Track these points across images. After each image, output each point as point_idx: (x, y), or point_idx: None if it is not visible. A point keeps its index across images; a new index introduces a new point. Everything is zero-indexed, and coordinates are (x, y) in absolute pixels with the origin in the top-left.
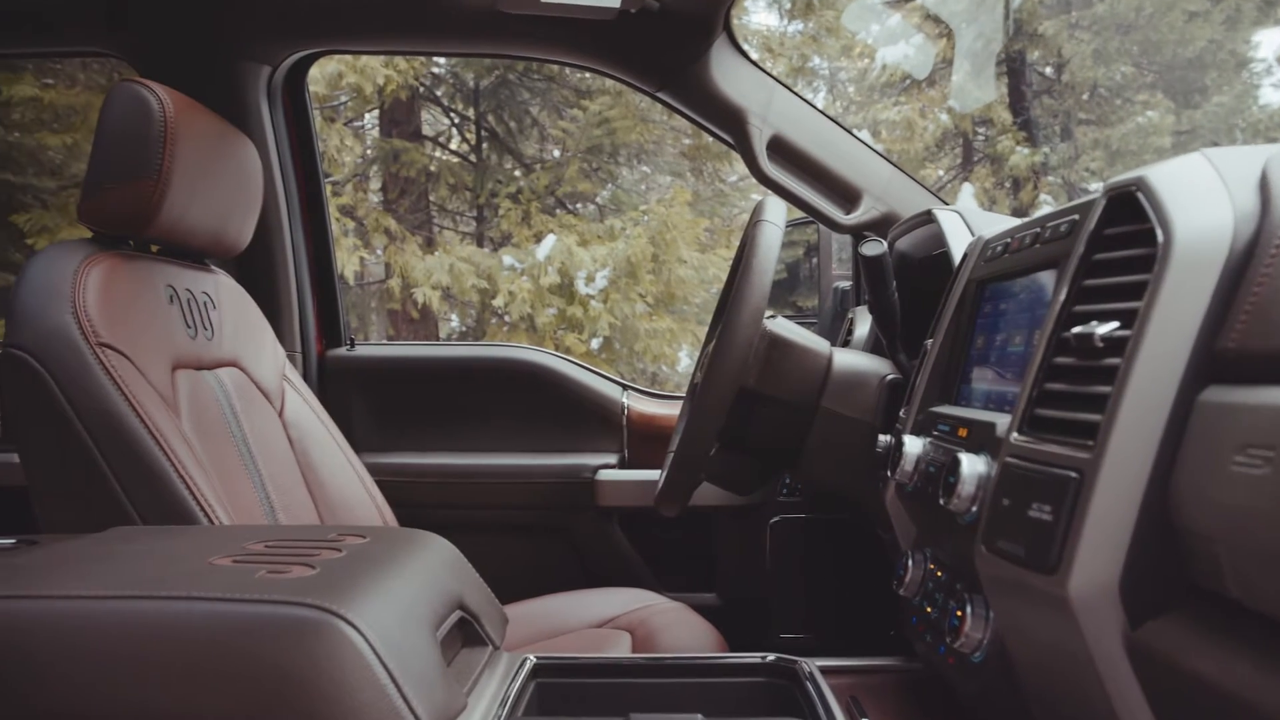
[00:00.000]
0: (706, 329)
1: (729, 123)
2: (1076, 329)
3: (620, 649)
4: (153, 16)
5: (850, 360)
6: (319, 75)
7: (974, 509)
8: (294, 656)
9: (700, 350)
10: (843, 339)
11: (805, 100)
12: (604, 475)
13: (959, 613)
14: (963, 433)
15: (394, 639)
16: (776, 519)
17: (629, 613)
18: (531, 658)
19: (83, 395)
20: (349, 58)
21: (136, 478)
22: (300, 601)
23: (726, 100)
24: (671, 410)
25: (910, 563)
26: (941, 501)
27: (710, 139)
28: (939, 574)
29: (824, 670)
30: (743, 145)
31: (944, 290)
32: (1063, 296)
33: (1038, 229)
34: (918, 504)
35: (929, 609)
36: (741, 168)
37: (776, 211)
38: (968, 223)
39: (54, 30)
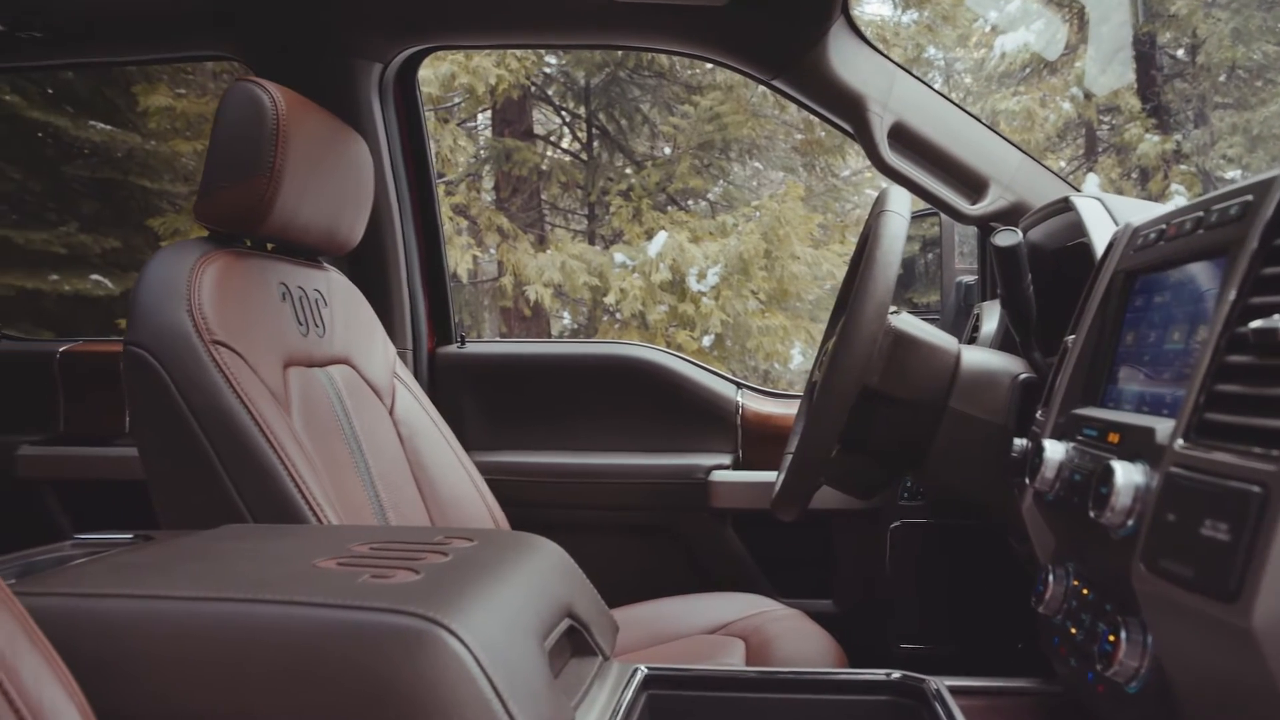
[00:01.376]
0: (820, 326)
1: (847, 110)
2: (1255, 323)
3: (734, 657)
4: (266, 17)
5: (980, 358)
6: (432, 76)
7: (1130, 523)
8: (395, 666)
9: (819, 348)
10: (968, 336)
11: (928, 85)
12: (717, 476)
13: (1111, 637)
14: (1114, 438)
15: (499, 650)
16: (897, 524)
17: (743, 619)
18: (642, 669)
19: (197, 392)
20: (461, 58)
21: (247, 475)
22: (402, 609)
23: (845, 87)
24: (788, 410)
25: (1050, 578)
26: (1091, 514)
27: (824, 132)
28: (1085, 592)
29: (953, 690)
30: (862, 133)
31: (1085, 283)
32: (1235, 287)
33: (1200, 213)
34: (1060, 514)
35: (1073, 630)
36: (856, 162)
37: (900, 201)
38: (1109, 210)
39: (174, 37)
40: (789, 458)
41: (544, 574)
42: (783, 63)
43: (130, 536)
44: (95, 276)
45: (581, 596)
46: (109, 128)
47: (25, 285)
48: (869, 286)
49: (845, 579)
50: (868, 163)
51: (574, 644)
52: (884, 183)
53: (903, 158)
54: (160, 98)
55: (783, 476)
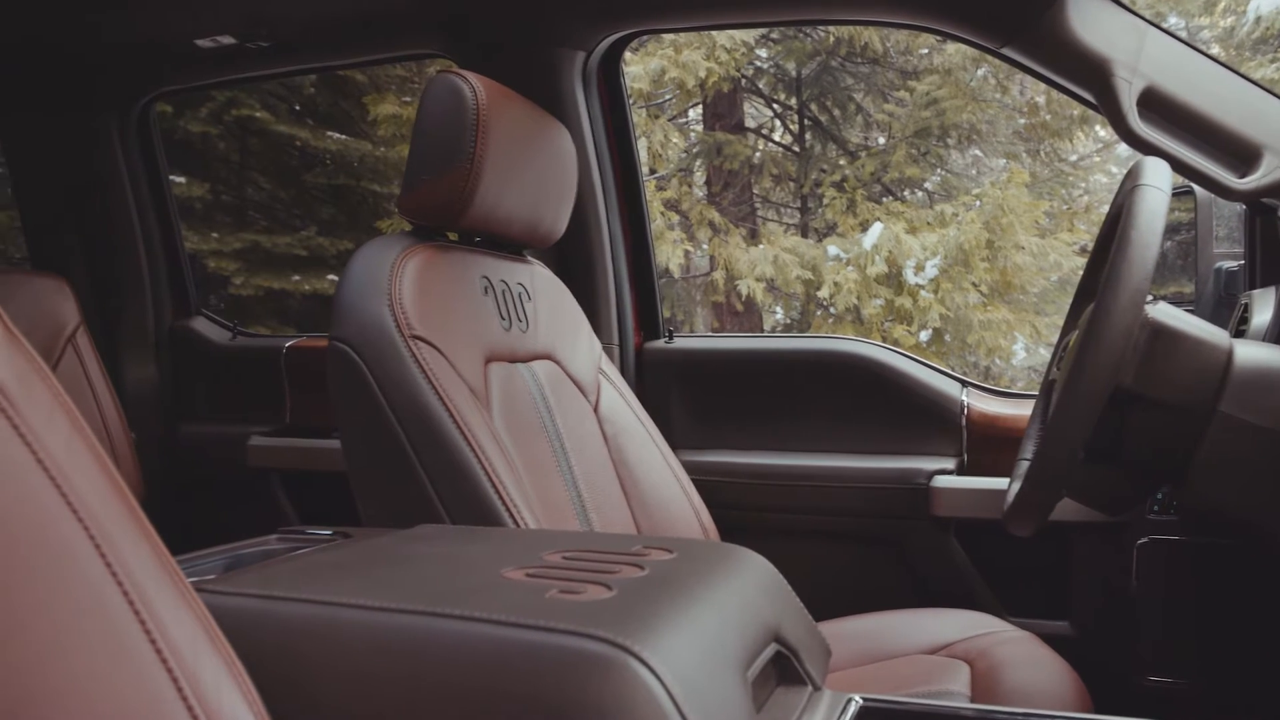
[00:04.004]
0: (1047, 320)
1: (1089, 77)
2: None
3: (957, 682)
4: (471, 12)
5: (1259, 354)
6: (641, 72)
7: None
8: (577, 695)
9: (1057, 342)
10: (1234, 329)
11: (1185, 42)
12: (940, 482)
13: None
14: None
15: (695, 681)
16: (1145, 540)
17: (967, 639)
18: (857, 699)
19: (396, 388)
20: (670, 52)
21: (444, 474)
22: (589, 633)
23: (1087, 51)
24: (1020, 411)
25: None
26: None
27: (1049, 114)
28: None
29: None
30: (1107, 102)
31: None
32: None
33: None
34: None
35: None
36: (1085, 145)
37: (1159, 173)
38: None
39: (385, 37)
40: (1024, 465)
41: (749, 593)
42: (1014, 27)
43: (330, 533)
44: (331, 276)
45: (791, 618)
46: (344, 137)
47: (272, 286)
48: (1123, 272)
49: (1083, 599)
50: (1098, 146)
51: (780, 671)
52: (1104, 165)
53: (1155, 128)
54: (388, 106)
55: (1018, 486)
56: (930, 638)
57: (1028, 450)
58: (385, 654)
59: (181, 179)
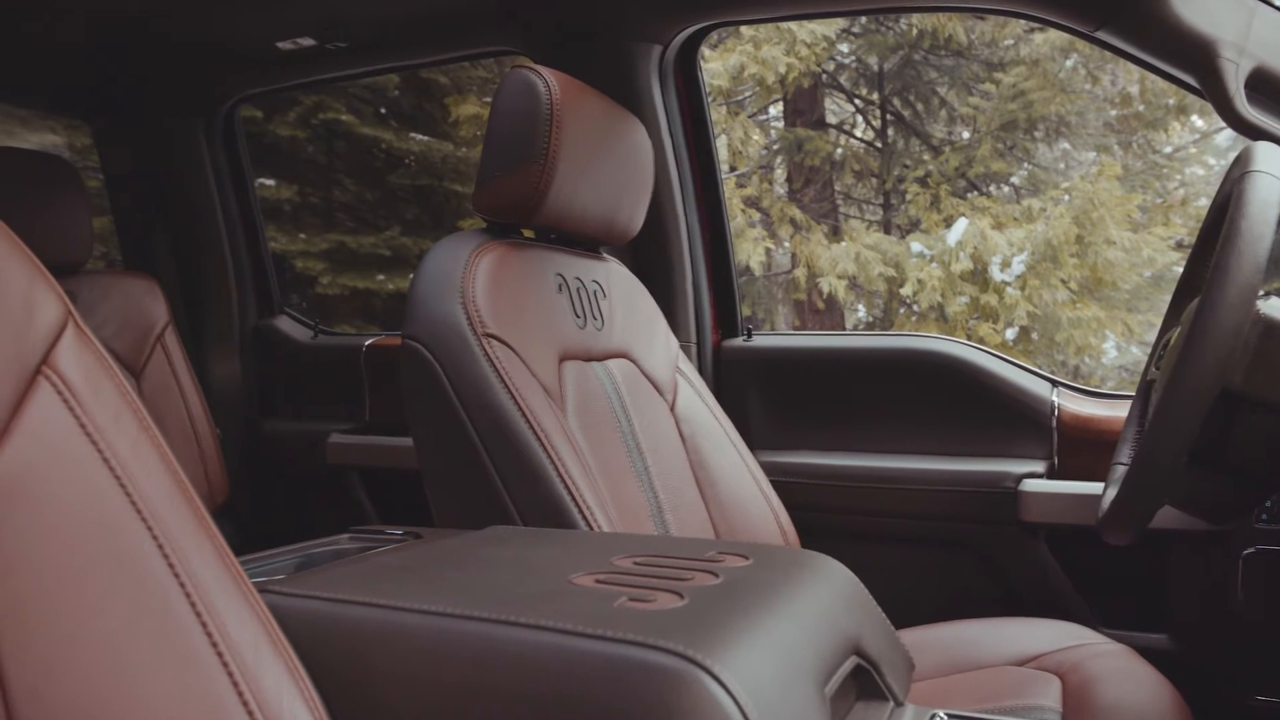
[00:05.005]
0: (1140, 317)
1: (1192, 60)
2: None
3: (1048, 697)
4: (546, 7)
5: None
6: (721, 69)
7: None
8: (645, 710)
9: (1155, 341)
10: None
11: None
12: (1029, 486)
13: None
14: None
15: (769, 697)
16: (1252, 550)
17: (1058, 651)
18: (942, 715)
19: (468, 387)
20: (749, 48)
21: (517, 474)
22: (658, 645)
23: (1189, 31)
24: (1115, 412)
25: None
26: None
27: (1143, 105)
28: None
29: None
30: (1212, 86)
31: None
32: None
33: None
34: None
35: None
36: (1180, 136)
37: (1271, 159)
38: None
39: (461, 35)
40: (1119, 469)
41: (828, 603)
42: (1110, 9)
43: (401, 533)
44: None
45: (872, 629)
46: (427, 138)
47: (358, 285)
48: (1231, 264)
49: (1183, 611)
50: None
51: (860, 686)
52: (1200, 157)
53: (1265, 112)
54: (469, 107)
55: (1114, 492)
56: (1018, 649)
57: (1124, 454)
58: (450, 661)
59: (271, 182)
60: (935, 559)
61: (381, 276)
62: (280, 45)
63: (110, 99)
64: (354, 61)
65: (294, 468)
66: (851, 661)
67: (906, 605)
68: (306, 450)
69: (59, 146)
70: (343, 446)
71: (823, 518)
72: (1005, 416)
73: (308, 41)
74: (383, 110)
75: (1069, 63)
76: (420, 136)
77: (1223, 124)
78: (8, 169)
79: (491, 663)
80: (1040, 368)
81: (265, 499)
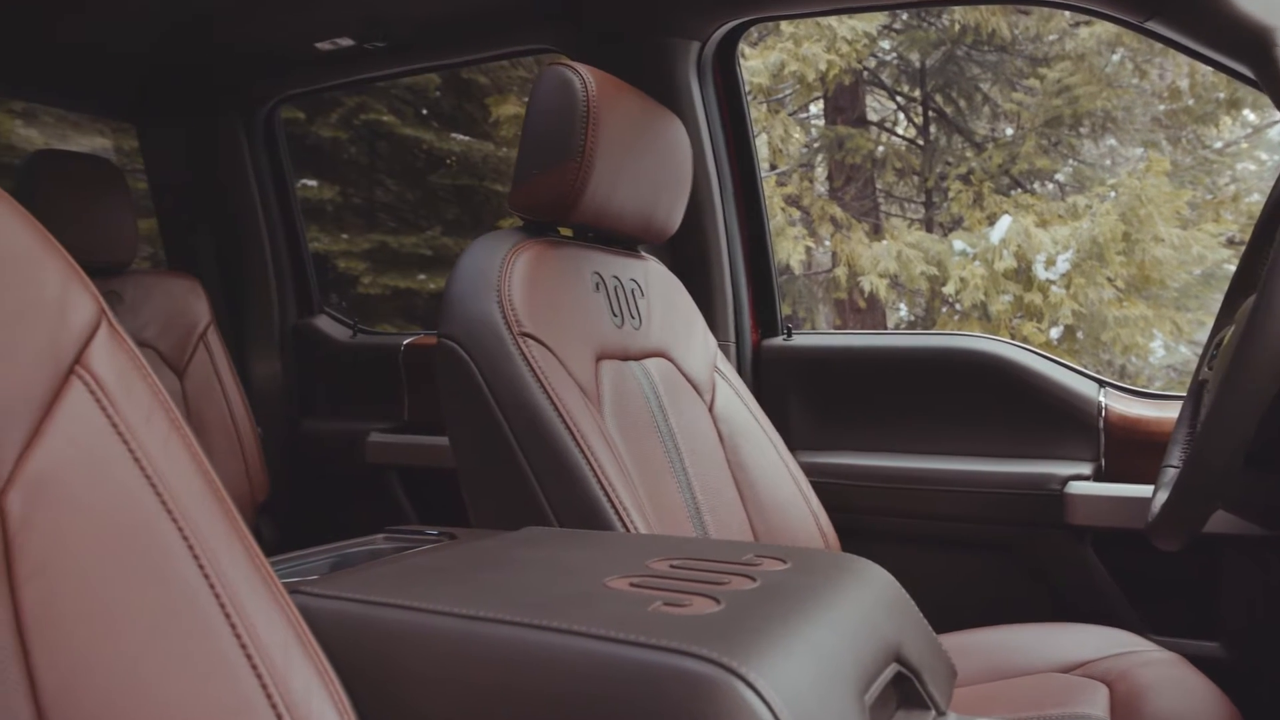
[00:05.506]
0: (1189, 316)
1: (1246, 49)
2: None
3: (1095, 705)
4: (581, 3)
5: None
6: (761, 67)
7: None
8: (678, 718)
9: (1207, 340)
10: None
11: None
12: (1075, 488)
13: None
14: None
15: (806, 705)
16: None
17: (1106, 658)
18: None
19: (504, 386)
20: (790, 45)
21: (552, 475)
22: (692, 652)
23: (1243, 19)
24: (1164, 413)
25: None
26: None
27: (1192, 99)
28: None
29: None
30: (1268, 76)
31: None
32: None
33: None
34: None
35: None
36: (1231, 131)
37: None
38: None
39: (498, 33)
40: (1170, 472)
41: (868, 608)
42: None
43: (436, 533)
44: None
45: (914, 636)
46: (467, 138)
47: (399, 285)
48: None
49: (1236, 618)
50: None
51: (901, 694)
52: (1252, 152)
53: None
54: (510, 107)
55: (1165, 496)
56: (1064, 655)
57: (1175, 456)
58: (481, 664)
59: (313, 182)
60: (978, 562)
61: (422, 276)
62: (319, 46)
63: (154, 101)
64: (392, 61)
65: (333, 467)
66: (892, 669)
67: (949, 610)
68: (346, 449)
69: (107, 149)
70: (381, 445)
71: (863, 519)
72: (1051, 417)
73: (346, 42)
74: (424, 111)
75: (1116, 57)
76: (461, 137)
77: (1278, 117)
78: (55, 171)
79: (523, 667)
80: (1086, 367)
81: (305, 497)
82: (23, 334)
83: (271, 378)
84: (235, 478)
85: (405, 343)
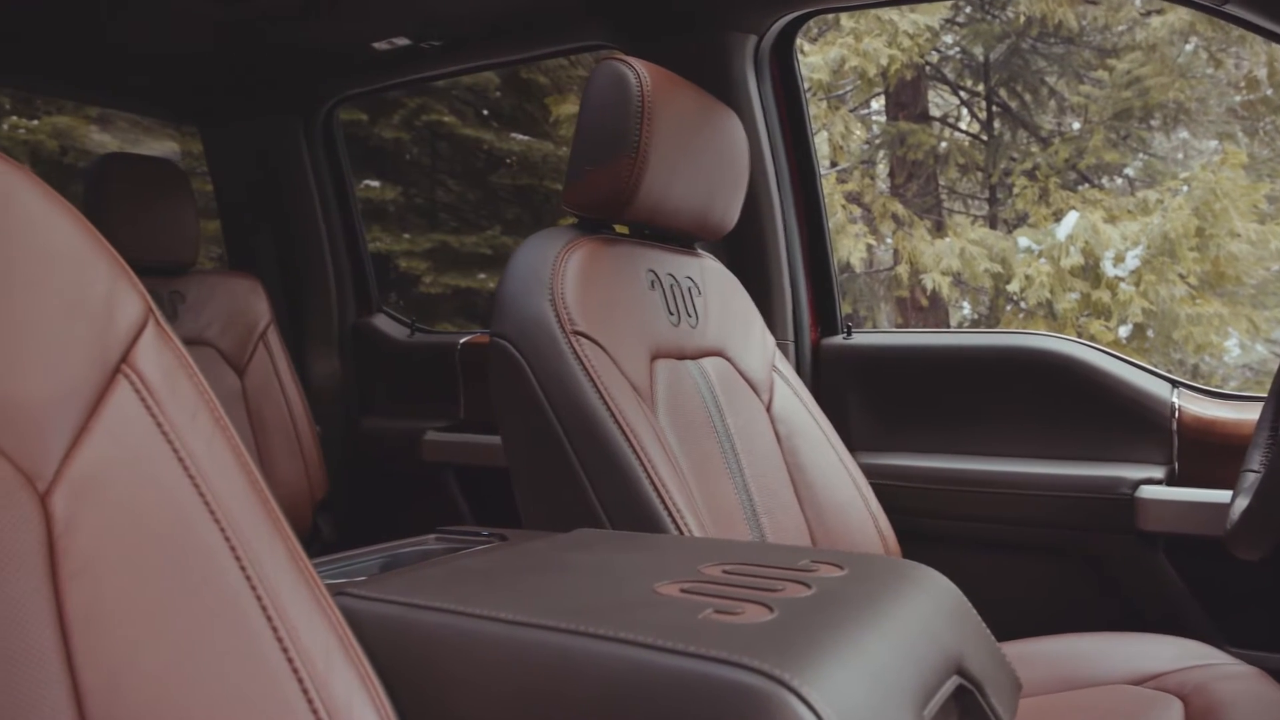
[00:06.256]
0: (1265, 314)
1: None
2: None
3: None
4: None
5: None
6: (821, 62)
7: None
8: None
9: None
10: None
11: None
12: (1147, 492)
13: None
14: None
15: None
16: None
17: (1180, 671)
18: None
19: (557, 386)
20: (850, 40)
21: (605, 476)
22: (742, 663)
23: None
24: (1242, 415)
25: None
26: None
27: (1271, 88)
28: None
29: None
30: None
31: None
32: None
33: None
34: None
35: None
36: None
37: None
38: None
39: (553, 30)
40: (1250, 477)
41: (929, 618)
42: None
43: (487, 534)
44: None
45: (976, 647)
46: (527, 138)
47: (459, 284)
48: None
49: None
50: None
51: (963, 708)
52: None
53: None
54: (569, 106)
55: (1245, 502)
56: (1135, 666)
57: (1255, 461)
58: (525, 671)
59: (376, 183)
60: (1044, 568)
61: (483, 275)
62: (376, 46)
63: (215, 104)
64: (448, 60)
65: (391, 465)
66: (953, 682)
67: (1013, 616)
68: (403, 447)
69: (176, 153)
70: (438, 444)
71: (925, 523)
72: (1120, 418)
73: (402, 41)
74: (484, 111)
75: (1189, 46)
76: (521, 136)
77: None
78: (121, 173)
79: (568, 674)
80: (1157, 366)
81: (363, 495)
82: (70, 333)
83: (330, 376)
84: (294, 476)
85: (462, 341)
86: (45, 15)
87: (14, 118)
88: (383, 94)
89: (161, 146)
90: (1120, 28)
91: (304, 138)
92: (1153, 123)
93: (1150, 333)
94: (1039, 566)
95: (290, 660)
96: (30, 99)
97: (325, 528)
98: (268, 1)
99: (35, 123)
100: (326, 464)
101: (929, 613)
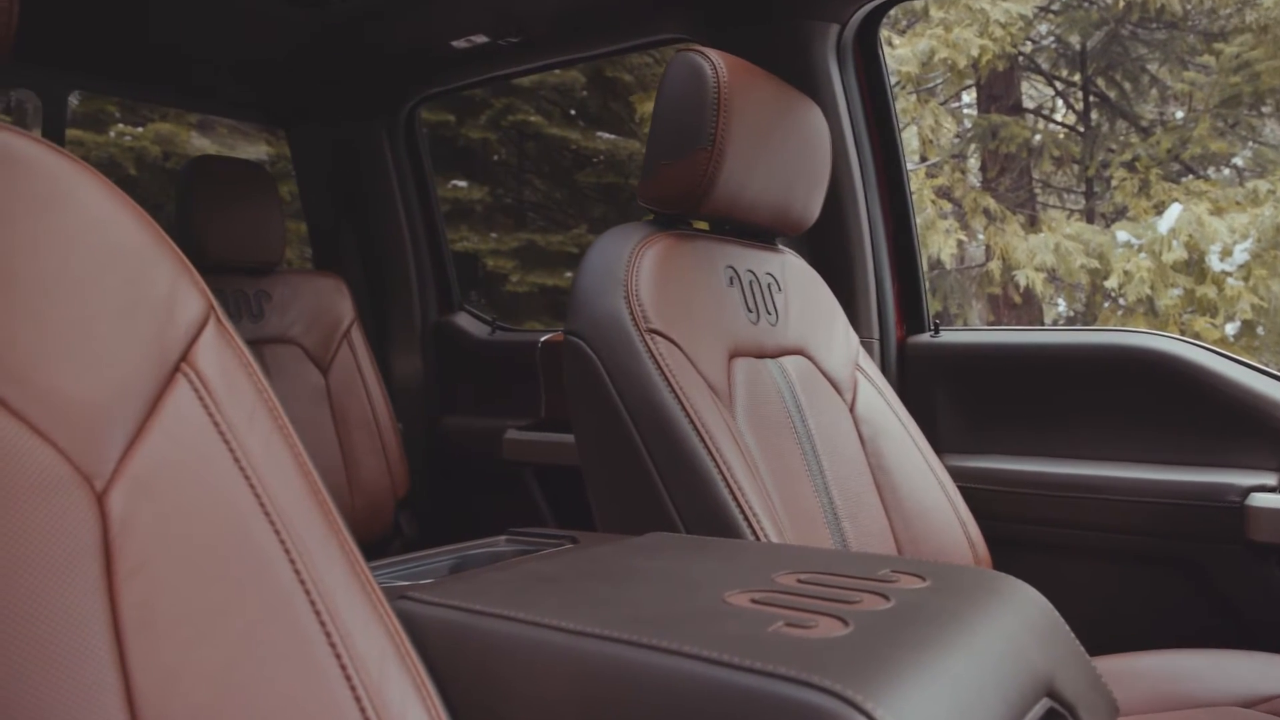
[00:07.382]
0: None
1: None
2: None
3: None
4: None
5: None
6: (909, 54)
7: None
8: None
9: None
10: None
11: None
12: (1259, 500)
13: None
14: None
15: None
16: None
17: None
18: None
19: (631, 385)
20: (940, 31)
21: (679, 478)
22: (813, 682)
23: None
24: None
25: None
26: None
27: None
28: None
29: None
30: None
31: None
32: None
33: None
34: None
35: None
36: None
37: None
38: None
39: (629, 23)
40: None
41: (1017, 635)
42: None
43: (559, 536)
44: None
45: (1068, 667)
46: (613, 137)
47: (545, 282)
48: None
49: None
50: None
51: None
52: None
53: None
54: (652, 103)
55: None
56: (1245, 687)
57: None
58: (584, 682)
59: (463, 183)
60: (1144, 579)
61: (569, 274)
62: (455, 44)
63: (301, 106)
64: (526, 57)
65: (472, 463)
66: (1043, 704)
67: (1110, 630)
68: (484, 446)
69: (270, 156)
70: (518, 443)
71: (1016, 529)
72: (1228, 421)
73: (481, 39)
74: (570, 111)
75: None
76: (607, 135)
77: None
78: (210, 176)
79: (630, 688)
80: (1268, 366)
81: (443, 494)
82: (131, 330)
83: (412, 374)
84: (376, 473)
85: (542, 340)
86: (145, 26)
87: (120, 125)
88: (462, 92)
89: (256, 150)
90: (1227, 10)
91: (386, 138)
92: (1264, 109)
93: (1260, 330)
94: (1138, 577)
95: (343, 666)
96: (135, 107)
97: (406, 525)
98: (353, 4)
99: (140, 129)
100: (408, 461)
101: (1017, 629)
